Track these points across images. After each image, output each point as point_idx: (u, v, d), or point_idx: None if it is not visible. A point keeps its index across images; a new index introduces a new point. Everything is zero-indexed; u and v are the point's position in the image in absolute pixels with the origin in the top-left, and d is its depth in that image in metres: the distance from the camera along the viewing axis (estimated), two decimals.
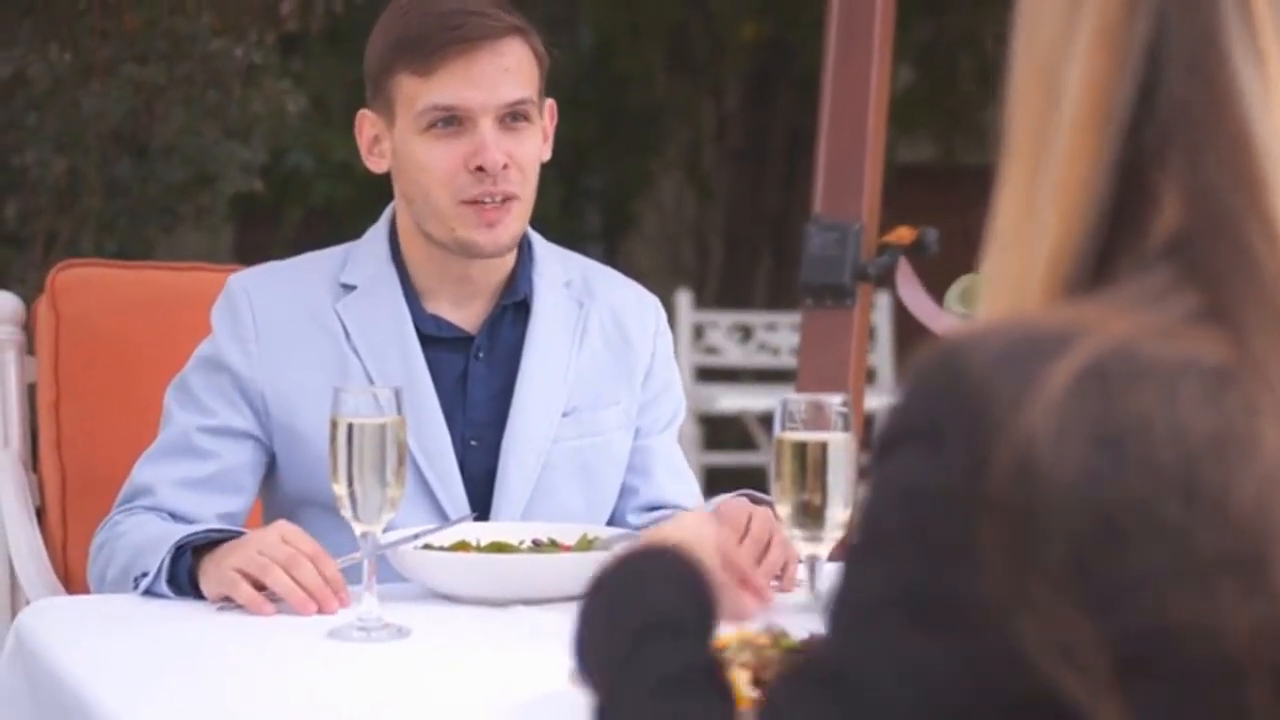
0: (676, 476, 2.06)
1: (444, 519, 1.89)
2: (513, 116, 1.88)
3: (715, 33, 8.54)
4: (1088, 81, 0.84)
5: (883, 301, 6.61)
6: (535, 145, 1.91)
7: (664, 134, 8.77)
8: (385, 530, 1.65)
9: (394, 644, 1.55)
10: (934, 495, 0.79)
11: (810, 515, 1.47)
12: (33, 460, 2.24)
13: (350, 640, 1.55)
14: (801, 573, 1.77)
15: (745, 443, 6.58)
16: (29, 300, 2.29)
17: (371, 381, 1.89)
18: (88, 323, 2.25)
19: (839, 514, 1.47)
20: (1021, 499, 0.76)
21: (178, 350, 2.00)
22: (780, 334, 6.78)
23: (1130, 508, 0.76)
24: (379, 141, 1.94)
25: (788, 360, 6.58)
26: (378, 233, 1.99)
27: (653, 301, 2.09)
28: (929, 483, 0.79)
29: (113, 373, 2.24)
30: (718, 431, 6.81)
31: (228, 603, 1.67)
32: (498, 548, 1.79)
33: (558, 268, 2.02)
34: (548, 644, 1.48)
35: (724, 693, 0.95)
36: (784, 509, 1.49)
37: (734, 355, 6.75)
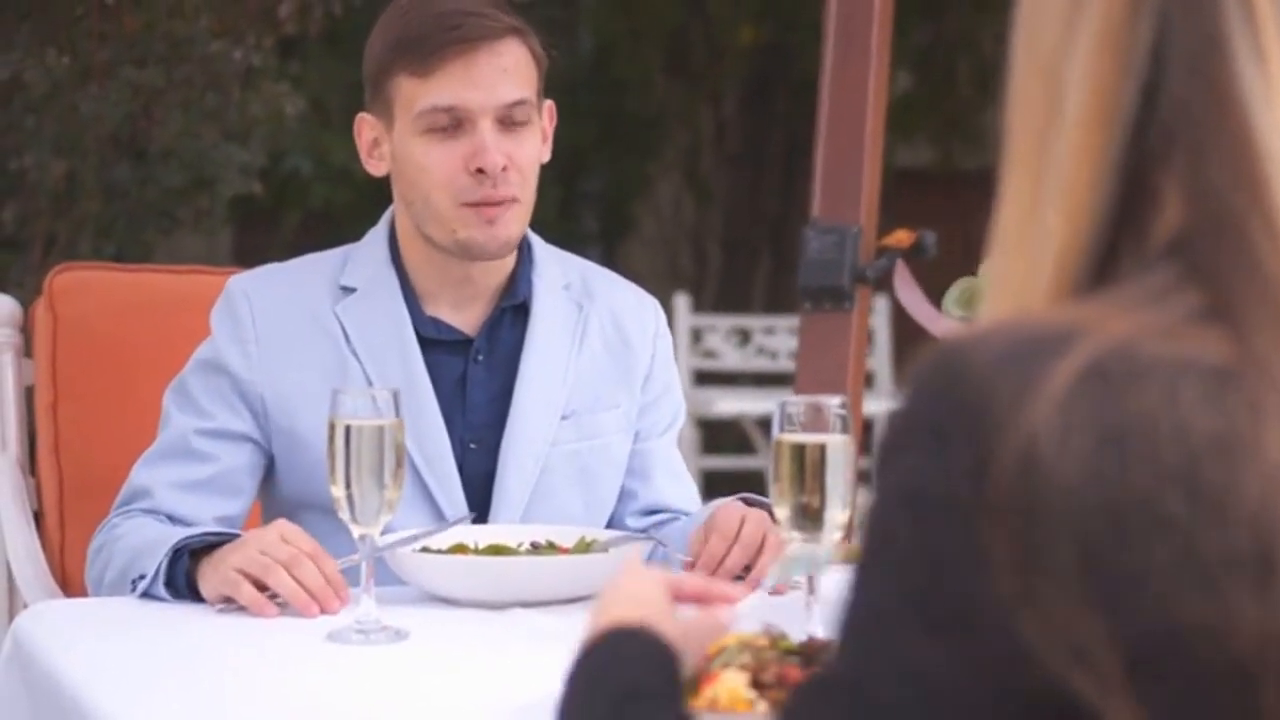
0: (676, 480, 2.06)
1: (442, 521, 1.89)
2: (512, 118, 1.88)
3: (714, 37, 8.55)
4: (1091, 83, 0.84)
5: (881, 305, 6.60)
6: (534, 147, 1.91)
7: (662, 138, 8.77)
8: (383, 533, 1.65)
9: (392, 647, 1.55)
10: (938, 498, 0.79)
11: (809, 517, 1.47)
12: (30, 463, 2.24)
13: (348, 643, 1.55)
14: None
15: (743, 446, 6.57)
16: (27, 303, 2.29)
17: (371, 384, 1.89)
18: (86, 325, 2.25)
19: (838, 516, 1.47)
20: (1025, 499, 0.76)
21: (176, 353, 1.99)
22: (778, 338, 6.78)
23: (1134, 506, 0.76)
24: (378, 144, 1.94)
25: (786, 364, 6.58)
26: (377, 235, 1.99)
27: (652, 304, 2.09)
28: (932, 486, 0.79)
29: (111, 375, 2.24)
30: (716, 435, 6.81)
31: (228, 604, 1.67)
32: (496, 550, 1.79)
33: (557, 270, 2.02)
34: (546, 646, 1.48)
35: None
36: (782, 511, 1.49)
37: (732, 359, 6.75)
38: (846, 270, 2.78)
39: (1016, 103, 0.88)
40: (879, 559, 0.81)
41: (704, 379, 6.78)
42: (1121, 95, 0.84)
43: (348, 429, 1.57)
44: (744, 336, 6.80)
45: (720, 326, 6.82)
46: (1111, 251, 0.84)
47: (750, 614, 1.26)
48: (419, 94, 1.87)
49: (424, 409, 1.91)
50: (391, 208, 1.99)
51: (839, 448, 1.48)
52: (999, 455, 0.77)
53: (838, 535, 1.46)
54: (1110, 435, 0.77)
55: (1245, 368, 0.78)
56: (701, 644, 1.11)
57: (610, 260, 8.09)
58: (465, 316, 1.97)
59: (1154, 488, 0.76)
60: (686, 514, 2.02)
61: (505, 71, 1.87)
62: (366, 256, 1.97)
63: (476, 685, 1.44)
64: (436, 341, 1.95)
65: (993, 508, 0.77)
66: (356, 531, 1.59)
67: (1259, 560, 0.75)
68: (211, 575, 1.68)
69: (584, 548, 1.80)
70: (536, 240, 2.02)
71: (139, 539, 1.79)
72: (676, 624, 1.06)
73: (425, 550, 1.77)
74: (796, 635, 1.30)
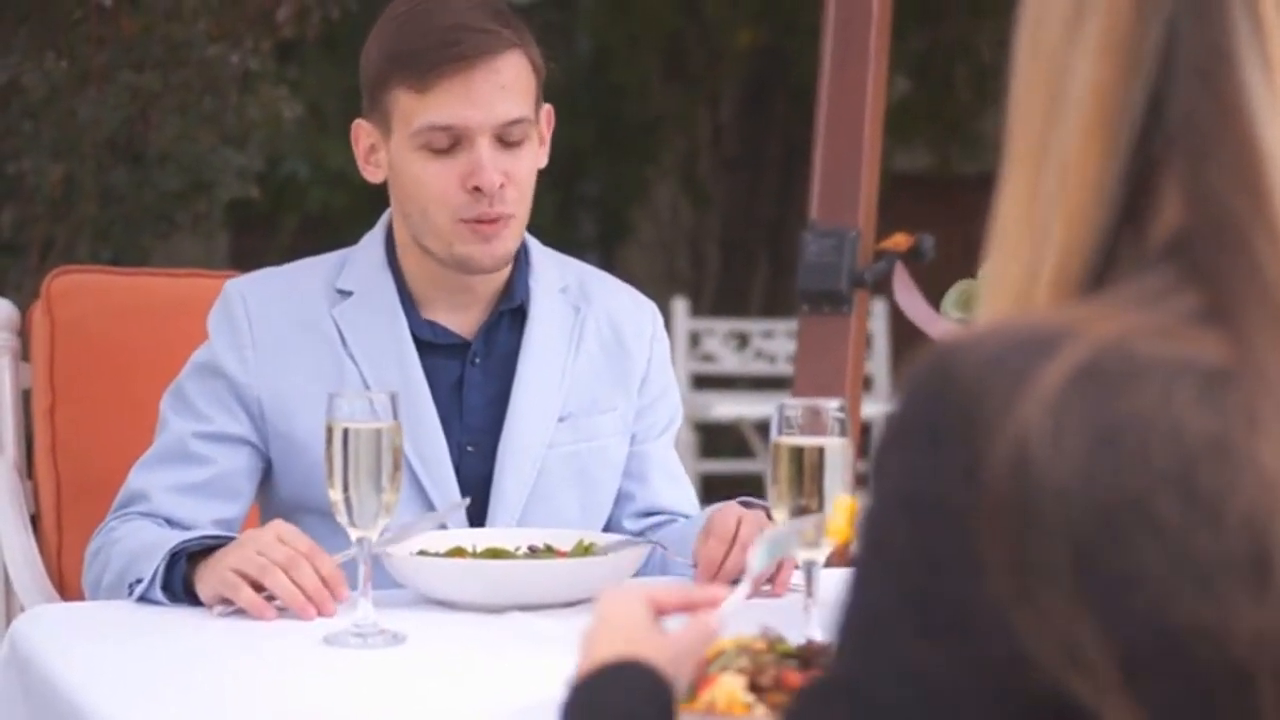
0: (673, 482, 2.06)
1: (439, 525, 1.89)
2: (510, 136, 1.87)
3: (711, 41, 8.55)
4: (1095, 88, 0.84)
5: (879, 309, 6.61)
6: (532, 161, 1.91)
7: (660, 142, 8.77)
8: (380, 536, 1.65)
9: (390, 650, 1.55)
10: (932, 501, 0.79)
11: None
12: (28, 466, 2.24)
13: (346, 646, 1.55)
14: (799, 578, 1.77)
15: (741, 450, 6.57)
16: (24, 307, 2.29)
17: (368, 387, 1.89)
18: (83, 329, 2.24)
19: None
20: (1017, 499, 0.76)
21: (173, 356, 1.99)
22: (776, 341, 6.78)
23: (1127, 505, 0.76)
24: (375, 151, 1.94)
25: (784, 368, 6.58)
26: (374, 239, 1.99)
27: (649, 307, 2.09)
28: (926, 488, 0.79)
29: (108, 379, 2.24)
30: (714, 439, 6.81)
31: (226, 605, 1.66)
32: (494, 554, 1.79)
33: (554, 273, 2.02)
34: (544, 650, 1.48)
35: None
36: (780, 514, 1.49)
37: (730, 363, 6.75)
38: (845, 274, 2.78)
39: (1018, 103, 0.88)
40: (875, 562, 0.81)
41: (702, 382, 6.78)
42: (1125, 99, 0.84)
43: (345, 432, 1.57)
44: (742, 340, 6.80)
45: (718, 330, 6.82)
46: (1111, 253, 0.84)
47: (748, 617, 1.26)
48: (416, 110, 1.86)
49: (421, 412, 1.90)
50: (388, 211, 1.99)
51: (837, 450, 1.48)
52: (990, 456, 0.77)
53: (822, 518, 1.46)
54: (1103, 436, 0.76)
55: (1242, 370, 0.78)
56: (693, 658, 1.11)
57: (608, 264, 8.08)
58: (462, 320, 1.97)
59: (1147, 489, 0.76)
60: (684, 516, 2.02)
61: (504, 89, 1.86)
62: (363, 260, 1.97)
63: (474, 689, 1.44)
64: (433, 345, 1.95)
65: (985, 509, 0.77)
66: (354, 534, 1.58)
67: (1255, 562, 0.75)
68: (209, 576, 1.68)
69: (582, 551, 1.80)
70: (534, 243, 2.02)
71: (136, 542, 1.79)
72: (665, 646, 1.06)
73: (423, 554, 1.77)
74: (794, 638, 1.30)
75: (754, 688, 1.21)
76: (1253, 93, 0.81)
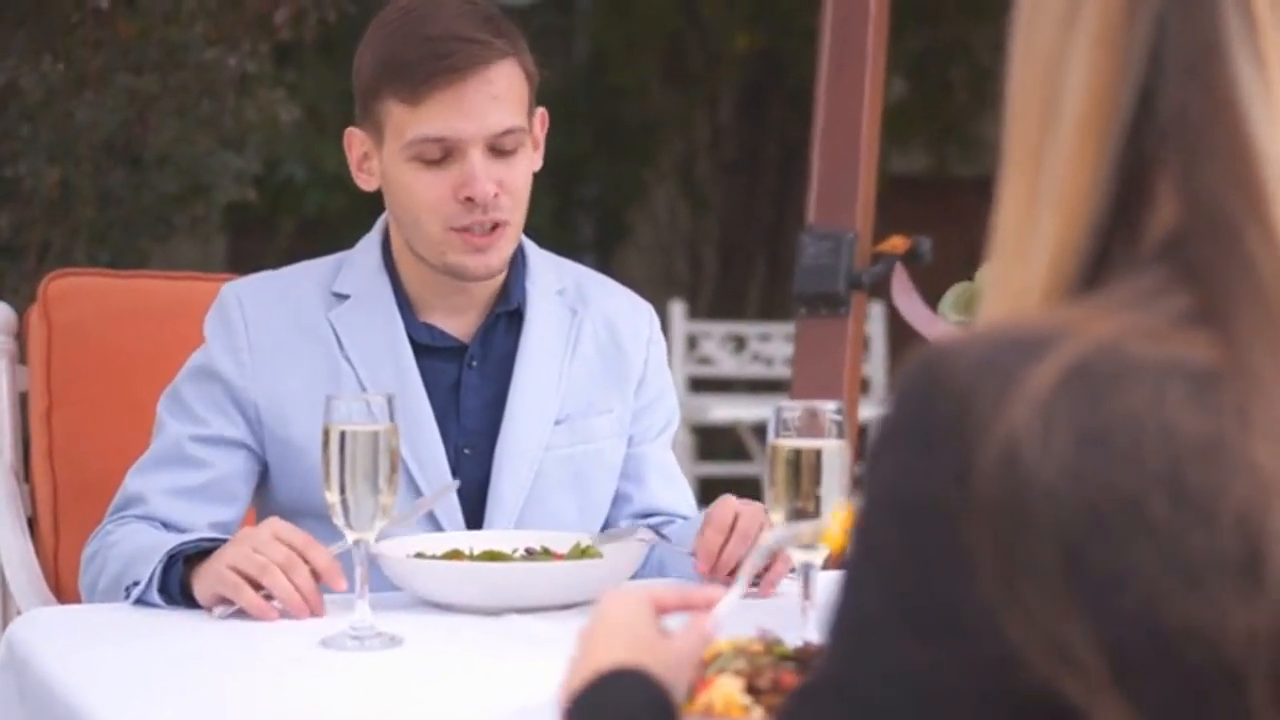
0: (670, 483, 2.06)
1: (436, 527, 1.89)
2: (502, 146, 1.87)
3: (709, 44, 8.55)
4: (1088, 85, 0.84)
5: (877, 311, 6.61)
6: (526, 168, 1.91)
7: (658, 145, 8.77)
8: (378, 539, 1.65)
9: (387, 652, 1.55)
10: (922, 502, 0.79)
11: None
12: (24, 470, 2.23)
13: (343, 649, 1.55)
14: (787, 584, 1.77)
15: (739, 453, 6.57)
16: (21, 310, 2.29)
17: (364, 390, 1.89)
18: (80, 331, 2.24)
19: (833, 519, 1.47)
20: (1006, 499, 0.76)
21: (170, 359, 1.99)
22: (774, 344, 6.78)
23: (1117, 504, 0.76)
24: (368, 159, 1.94)
25: (781, 370, 6.58)
26: (370, 242, 1.99)
27: (646, 309, 2.09)
28: (916, 490, 0.79)
29: (105, 382, 2.24)
30: (711, 442, 6.81)
31: (226, 605, 1.66)
32: (491, 556, 1.79)
33: (551, 275, 2.02)
34: (541, 652, 1.48)
35: None
36: (777, 516, 1.49)
37: (728, 366, 6.76)
38: (842, 276, 2.78)
39: (1014, 104, 0.88)
40: (867, 563, 0.82)
41: (699, 385, 6.79)
42: (1119, 97, 0.83)
43: (342, 435, 1.57)
44: (739, 343, 6.80)
45: (716, 333, 6.82)
46: (1106, 253, 0.84)
47: (746, 619, 1.26)
48: (408, 122, 1.85)
49: (418, 415, 1.90)
50: (385, 215, 1.99)
51: (834, 453, 1.48)
52: (980, 457, 0.77)
53: (820, 523, 1.46)
54: (1093, 436, 0.76)
55: (1233, 370, 0.78)
56: (691, 664, 1.11)
57: (606, 267, 8.09)
58: (459, 323, 1.97)
59: (1138, 489, 0.76)
60: (683, 517, 2.02)
61: (496, 99, 1.86)
62: (360, 263, 1.97)
63: (471, 691, 1.44)
64: (430, 348, 1.95)
65: (976, 510, 0.77)
66: (351, 537, 1.58)
67: (1247, 562, 0.75)
68: (206, 576, 1.68)
69: (579, 554, 1.80)
70: (530, 246, 2.02)
71: (133, 545, 1.78)
72: (664, 653, 1.06)
73: (420, 556, 1.77)
74: (792, 640, 1.30)
75: (751, 690, 1.21)
76: (1245, 89, 0.81)
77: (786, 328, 6.57)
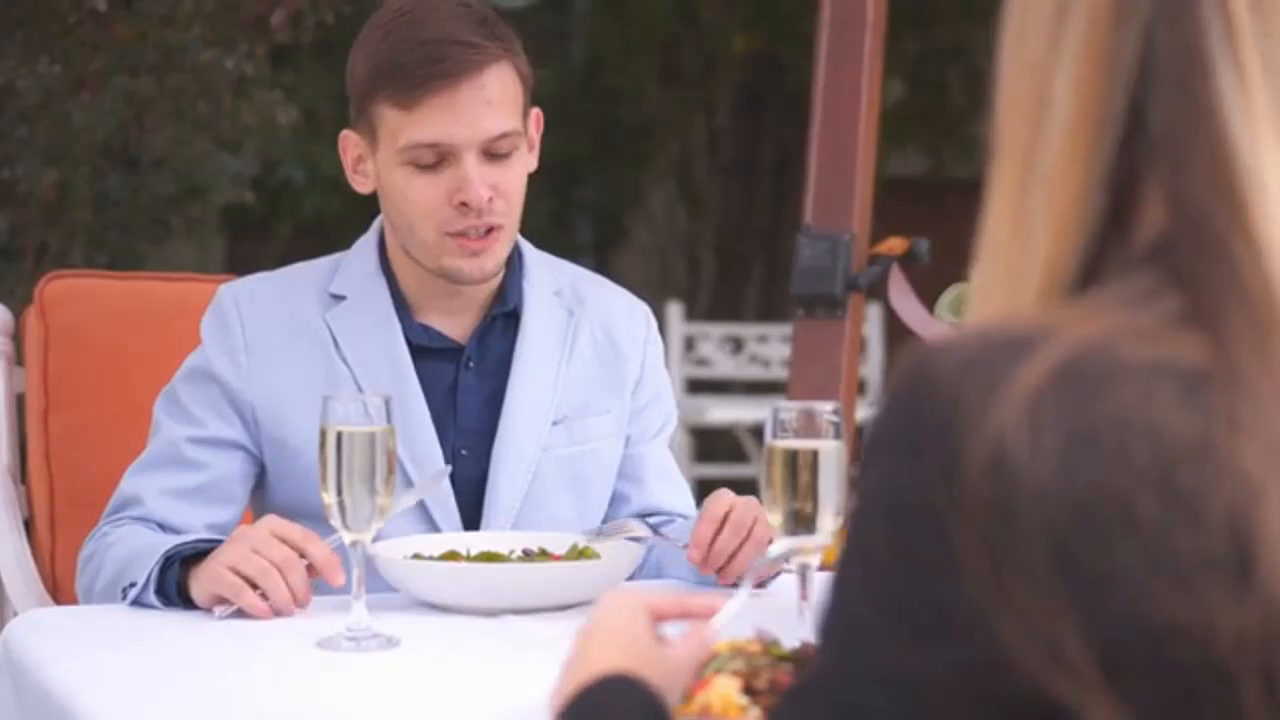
0: (668, 483, 2.06)
1: (434, 528, 1.89)
2: (497, 150, 1.87)
3: (706, 47, 8.56)
4: (1078, 92, 0.84)
5: (874, 313, 6.61)
6: (520, 172, 1.90)
7: (655, 147, 8.78)
8: (374, 540, 1.65)
9: (383, 654, 1.55)
10: (912, 503, 0.79)
11: (801, 523, 1.47)
12: (21, 471, 2.23)
13: (340, 650, 1.55)
14: (779, 583, 1.77)
15: (736, 454, 6.57)
16: (18, 312, 2.29)
17: (361, 391, 1.89)
18: (77, 333, 2.24)
19: (830, 522, 1.47)
20: (994, 499, 0.77)
21: (167, 360, 1.99)
22: (771, 346, 6.78)
23: (1106, 503, 0.76)
24: (362, 162, 1.94)
25: (779, 372, 6.59)
26: (366, 244, 1.99)
27: (643, 309, 2.09)
28: (907, 490, 0.79)
29: (102, 383, 2.24)
30: (709, 443, 6.81)
31: (226, 606, 1.66)
32: (488, 557, 1.79)
33: (548, 276, 2.02)
34: (538, 653, 1.47)
35: None
36: (775, 517, 1.49)
37: (725, 367, 6.76)
38: (839, 277, 2.79)
39: (1004, 112, 0.88)
40: (858, 564, 0.82)
41: (697, 387, 6.79)
42: (1108, 105, 0.84)
43: (339, 435, 1.57)
44: (737, 344, 6.80)
45: (713, 334, 6.83)
46: (1097, 257, 0.85)
47: (743, 620, 1.26)
48: (402, 127, 1.85)
49: (415, 416, 1.90)
50: (381, 217, 1.99)
51: (831, 454, 1.48)
52: (968, 457, 0.77)
53: (823, 540, 1.46)
54: (1082, 433, 0.77)
55: (1221, 372, 0.78)
56: (688, 671, 1.11)
57: (603, 269, 8.08)
58: (456, 324, 1.97)
59: (1126, 488, 0.76)
60: (682, 516, 2.02)
61: (490, 104, 1.85)
62: (356, 265, 1.97)
63: (468, 692, 1.44)
64: (427, 349, 1.95)
65: (964, 510, 0.77)
66: (348, 538, 1.58)
67: (1236, 561, 0.75)
68: (204, 575, 1.68)
69: (576, 555, 1.80)
70: (527, 247, 2.02)
71: (130, 547, 1.78)
72: (661, 661, 1.06)
73: (417, 557, 1.77)
74: (789, 641, 1.30)
75: (749, 690, 1.21)
76: (1226, 99, 0.82)
77: (784, 329, 6.57)
